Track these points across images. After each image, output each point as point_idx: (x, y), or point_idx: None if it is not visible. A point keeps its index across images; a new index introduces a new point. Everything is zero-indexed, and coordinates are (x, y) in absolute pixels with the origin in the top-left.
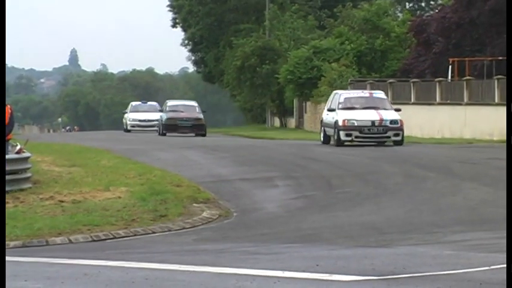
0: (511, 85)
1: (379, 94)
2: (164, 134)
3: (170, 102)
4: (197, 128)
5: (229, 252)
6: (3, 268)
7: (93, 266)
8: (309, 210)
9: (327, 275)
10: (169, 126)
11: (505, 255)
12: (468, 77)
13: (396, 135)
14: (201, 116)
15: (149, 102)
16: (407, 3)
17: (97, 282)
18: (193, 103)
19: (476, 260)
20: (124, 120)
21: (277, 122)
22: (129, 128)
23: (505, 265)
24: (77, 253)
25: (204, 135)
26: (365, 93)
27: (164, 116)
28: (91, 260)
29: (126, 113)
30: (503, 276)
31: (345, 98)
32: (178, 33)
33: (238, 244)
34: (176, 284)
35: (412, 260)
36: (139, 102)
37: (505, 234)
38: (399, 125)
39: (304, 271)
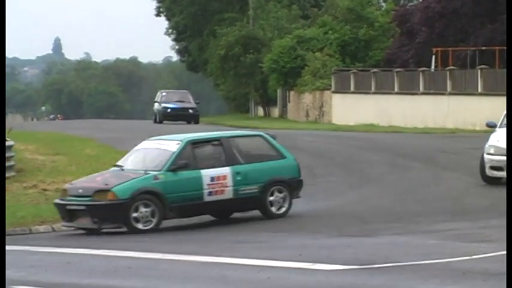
0: (511, 82)
1: None
2: None
3: None
4: None
5: (213, 241)
6: (3, 270)
7: (76, 255)
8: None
9: (310, 264)
10: None
11: (489, 245)
12: (451, 67)
13: None
14: None
15: None
16: None
17: (80, 271)
18: None
19: (459, 249)
20: None
21: (260, 111)
22: None
23: (492, 254)
24: (60, 241)
25: None
26: None
27: None
28: (74, 248)
29: None
30: (485, 265)
31: None
32: (162, 22)
33: (221, 233)
34: (159, 272)
35: (395, 249)
36: None
37: (487, 224)
38: None
39: (287, 260)
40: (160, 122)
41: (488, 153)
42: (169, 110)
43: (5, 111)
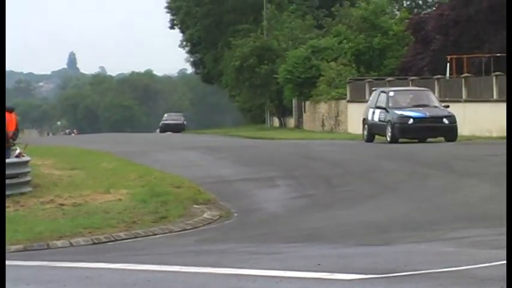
0: (511, 87)
1: None
2: None
3: None
4: None
5: (231, 253)
6: (3, 271)
7: (95, 269)
8: (310, 209)
9: (329, 274)
10: None
11: (506, 252)
12: (466, 74)
13: None
14: None
15: None
16: (404, 1)
17: (99, 285)
18: None
19: (477, 256)
20: None
21: (276, 122)
22: None
23: (506, 262)
24: (79, 256)
25: None
26: None
27: None
28: (92, 262)
29: None
30: (504, 272)
31: None
32: (177, 35)
33: (239, 244)
34: (177, 285)
35: (413, 257)
36: None
37: (505, 231)
38: None
39: (306, 270)
40: (395, 141)
41: None
42: (411, 122)
43: (5, 111)
